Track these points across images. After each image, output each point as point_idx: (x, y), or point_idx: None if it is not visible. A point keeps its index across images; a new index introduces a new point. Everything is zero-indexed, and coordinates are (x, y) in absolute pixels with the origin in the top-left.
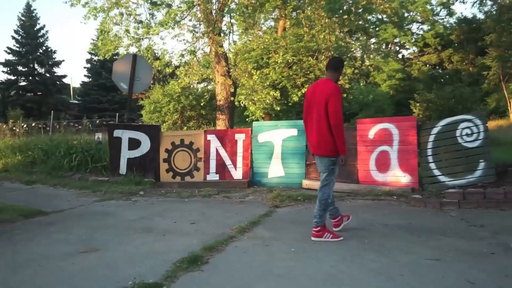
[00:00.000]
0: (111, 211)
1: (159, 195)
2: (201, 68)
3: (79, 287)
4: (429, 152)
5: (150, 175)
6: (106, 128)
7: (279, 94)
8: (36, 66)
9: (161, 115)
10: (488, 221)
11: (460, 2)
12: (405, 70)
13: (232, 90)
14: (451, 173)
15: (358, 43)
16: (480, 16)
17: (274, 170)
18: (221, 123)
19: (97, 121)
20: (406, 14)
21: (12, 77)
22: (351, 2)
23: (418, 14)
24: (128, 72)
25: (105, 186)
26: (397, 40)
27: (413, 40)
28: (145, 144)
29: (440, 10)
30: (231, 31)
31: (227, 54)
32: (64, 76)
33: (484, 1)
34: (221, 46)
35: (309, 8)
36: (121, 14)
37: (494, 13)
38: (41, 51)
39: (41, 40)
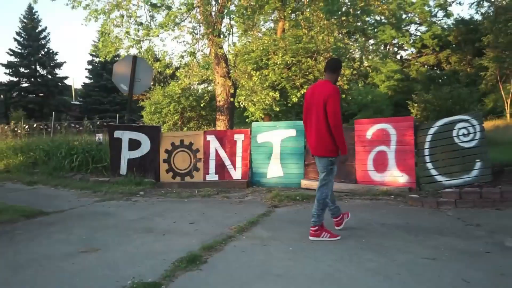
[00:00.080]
0: (112, 211)
1: (159, 195)
2: (201, 70)
3: (79, 286)
4: (426, 152)
5: (150, 176)
6: (107, 129)
7: (278, 95)
8: (38, 67)
9: (162, 116)
10: (484, 221)
11: (457, 3)
12: (404, 71)
13: (232, 91)
14: (448, 172)
15: (357, 44)
16: (478, 17)
17: (273, 170)
18: (221, 124)
19: (98, 122)
20: (404, 16)
21: (14, 79)
22: (349, 3)
23: (416, 15)
24: (128, 74)
25: (106, 187)
26: (395, 41)
27: (411, 41)
28: (145, 145)
29: (437, 11)
30: (231, 32)
31: (227, 56)
32: (66, 78)
33: (481, 3)
34: (221, 48)
35: (308, 10)
36: (122, 16)
37: (491, 14)
38: (42, 52)
39: (42, 42)
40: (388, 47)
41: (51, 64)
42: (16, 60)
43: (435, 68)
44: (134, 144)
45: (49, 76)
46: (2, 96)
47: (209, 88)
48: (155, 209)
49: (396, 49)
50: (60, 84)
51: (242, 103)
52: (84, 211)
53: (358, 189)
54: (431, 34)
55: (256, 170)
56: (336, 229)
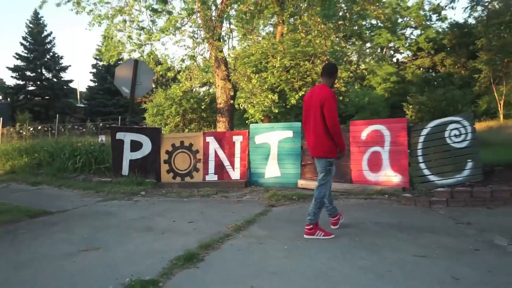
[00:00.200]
0: (113, 211)
1: (160, 195)
2: (201, 73)
3: (79, 285)
4: (419, 152)
5: (151, 176)
6: (109, 130)
7: (277, 97)
8: (43, 71)
9: (164, 118)
10: (475, 219)
11: (449, 7)
12: (400, 73)
13: (232, 93)
14: (440, 172)
15: (354, 48)
16: (471, 21)
17: (271, 171)
18: (222, 125)
19: (101, 124)
20: (400, 20)
21: (21, 82)
22: (345, 8)
23: (411, 19)
24: (130, 77)
25: (108, 187)
26: (391, 44)
27: (407, 45)
28: (147, 146)
29: (431, 15)
30: (230, 37)
31: (227, 59)
32: (71, 81)
33: (474, 7)
34: (221, 51)
35: (305, 14)
36: (124, 21)
37: (484, 18)
38: (48, 56)
39: (48, 46)
40: (384, 50)
41: (57, 68)
42: (22, 64)
43: (430, 71)
44: (136, 146)
45: (55, 80)
46: (9, 99)
47: (211, 90)
48: (156, 208)
49: (392, 52)
50: (65, 87)
51: (242, 105)
52: (87, 211)
53: (353, 188)
54: (424, 37)
55: (254, 170)
56: (332, 228)
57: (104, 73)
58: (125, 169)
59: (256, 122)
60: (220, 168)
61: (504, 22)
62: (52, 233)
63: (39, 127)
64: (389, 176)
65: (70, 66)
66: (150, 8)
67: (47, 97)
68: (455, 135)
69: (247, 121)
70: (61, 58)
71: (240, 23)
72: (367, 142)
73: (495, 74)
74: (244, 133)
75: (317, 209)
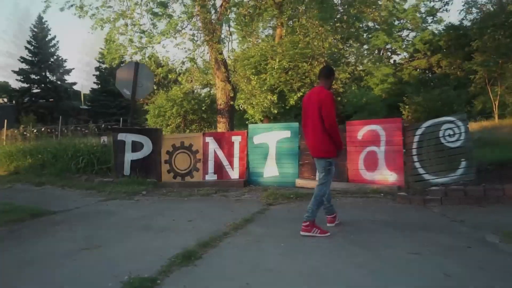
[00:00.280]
0: (114, 210)
1: (161, 194)
2: (201, 74)
3: (80, 282)
4: (414, 152)
5: (152, 176)
6: (111, 131)
7: (276, 98)
8: (47, 74)
9: (165, 119)
10: (468, 217)
11: (443, 10)
12: (397, 74)
13: (232, 94)
14: (435, 171)
15: (351, 49)
16: (467, 23)
17: (269, 170)
18: (222, 126)
19: (103, 125)
20: (397, 22)
21: (26, 85)
22: (342, 11)
23: (408, 22)
24: (130, 79)
25: (110, 187)
26: (388, 46)
27: (403, 46)
28: (148, 147)
29: (427, 17)
30: (230, 40)
31: (227, 61)
32: (74, 83)
33: (470, 9)
34: (221, 53)
35: (304, 17)
36: (126, 24)
37: (479, 21)
38: (52, 60)
39: (52, 50)
40: (382, 52)
41: (60, 71)
42: (27, 67)
43: (427, 72)
44: (137, 146)
45: (58, 82)
46: (14, 102)
47: (212, 91)
48: (156, 207)
49: (389, 53)
50: (69, 89)
51: (241, 106)
52: (89, 210)
53: (350, 187)
54: (419, 39)
55: (253, 170)
56: (328, 226)
57: (107, 76)
58: (127, 169)
59: (256, 123)
60: (219, 167)
61: (498, 24)
62: (55, 232)
63: (43, 129)
64: (385, 175)
65: (73, 69)
66: (151, 12)
67: (51, 100)
68: (449, 135)
69: (247, 122)
70: (65, 61)
71: (240, 25)
72: (363, 142)
73: (490, 75)
74: (243, 133)
75: (315, 207)
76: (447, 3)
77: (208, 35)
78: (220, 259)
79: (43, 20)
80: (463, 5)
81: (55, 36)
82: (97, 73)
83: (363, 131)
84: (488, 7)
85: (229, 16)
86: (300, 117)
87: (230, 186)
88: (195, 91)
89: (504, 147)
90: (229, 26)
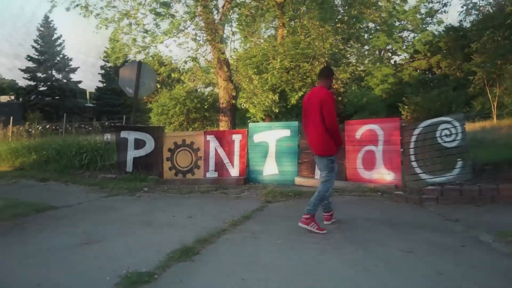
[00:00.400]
0: (116, 206)
1: (162, 191)
2: (204, 74)
3: (79, 275)
4: (412, 151)
5: (154, 173)
6: (114, 129)
7: (277, 97)
8: (53, 72)
9: (168, 117)
10: (463, 216)
11: (441, 12)
12: (397, 75)
13: (234, 93)
14: (432, 171)
15: (352, 50)
16: (466, 24)
17: (269, 168)
18: (224, 125)
19: (106, 123)
20: (397, 23)
21: (32, 83)
22: (342, 12)
23: (409, 23)
24: (133, 78)
25: (113, 183)
26: (389, 47)
27: (404, 47)
28: (150, 144)
29: (427, 18)
30: (232, 40)
31: (229, 61)
32: (80, 82)
33: (470, 11)
34: (223, 53)
35: (305, 18)
36: (130, 24)
37: (478, 21)
38: (58, 59)
39: (58, 49)
40: (382, 53)
41: (66, 69)
42: (34, 65)
43: (427, 73)
44: (140, 144)
45: (64, 81)
46: (21, 99)
47: (214, 90)
48: (157, 204)
49: (390, 54)
50: (74, 87)
51: (243, 105)
52: (91, 206)
53: (348, 186)
54: (417, 40)
55: (252, 168)
56: (324, 224)
57: (112, 74)
58: (129, 166)
59: (257, 122)
60: (220, 165)
61: (497, 26)
62: (57, 227)
63: (48, 126)
64: (383, 174)
65: (79, 67)
66: (154, 12)
67: (57, 97)
68: (446, 135)
69: (248, 121)
70: (71, 60)
71: (242, 25)
72: (361, 141)
73: (489, 76)
74: (243, 132)
75: (317, 201)
76: (445, 5)
77: (211, 35)
78: (217, 255)
79: (49, 20)
80: (462, 7)
81: (61, 36)
82: (102, 71)
83: (361, 130)
84: (487, 8)
85: (231, 16)
86: (302, 116)
87: (230, 183)
88: (198, 90)
89: (500, 147)
90: (231, 26)
